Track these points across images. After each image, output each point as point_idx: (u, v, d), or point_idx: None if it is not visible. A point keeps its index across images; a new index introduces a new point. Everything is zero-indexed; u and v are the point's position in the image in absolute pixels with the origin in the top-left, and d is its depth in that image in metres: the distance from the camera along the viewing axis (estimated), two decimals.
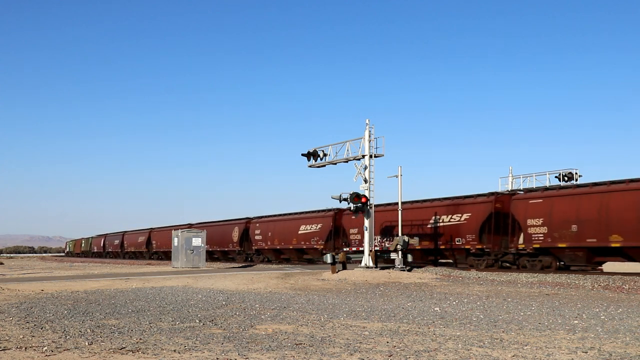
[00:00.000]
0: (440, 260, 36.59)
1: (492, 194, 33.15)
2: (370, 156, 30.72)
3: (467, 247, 32.76)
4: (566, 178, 38.15)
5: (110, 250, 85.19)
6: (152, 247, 68.52)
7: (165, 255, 62.23)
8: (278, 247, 47.95)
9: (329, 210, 43.88)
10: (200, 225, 59.42)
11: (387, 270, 29.28)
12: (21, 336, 10.09)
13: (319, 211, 45.43)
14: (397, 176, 32.30)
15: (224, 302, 16.16)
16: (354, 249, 34.17)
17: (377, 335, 10.12)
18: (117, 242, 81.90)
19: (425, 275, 28.37)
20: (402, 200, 35.25)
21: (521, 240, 30.54)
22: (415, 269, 31.55)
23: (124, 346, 9.12)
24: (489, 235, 31.79)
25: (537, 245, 29.39)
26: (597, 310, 14.51)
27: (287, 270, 33.69)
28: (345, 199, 30.41)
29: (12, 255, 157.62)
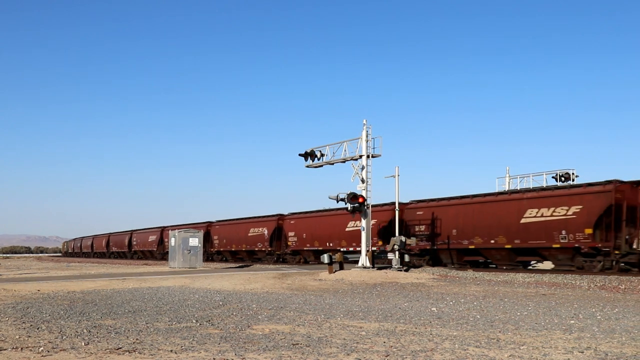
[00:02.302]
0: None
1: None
2: (368, 156, 30.75)
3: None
4: (563, 178, 38.26)
5: (76, 251, 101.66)
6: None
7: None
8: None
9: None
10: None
11: (384, 270, 29.30)
12: (17, 336, 10.07)
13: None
14: (394, 176, 32.35)
15: (220, 302, 16.15)
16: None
17: (374, 336, 10.12)
18: (79, 244, 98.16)
19: (422, 275, 28.38)
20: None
21: None
22: (412, 269, 31.58)
23: (120, 346, 9.11)
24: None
25: None
26: (594, 310, 14.53)
27: (284, 270, 33.67)
28: (342, 199, 30.42)
29: (8, 255, 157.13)
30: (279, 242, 47.79)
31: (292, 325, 11.47)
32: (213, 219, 60.21)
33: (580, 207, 27.63)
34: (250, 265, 44.92)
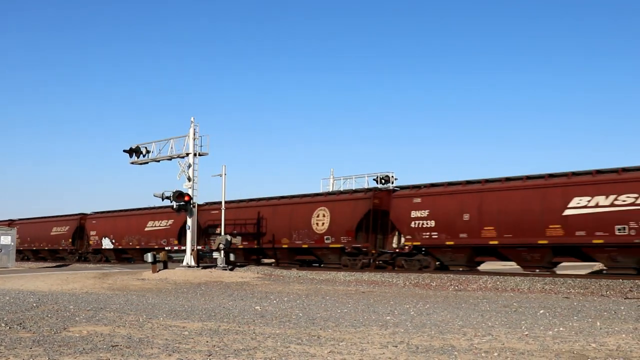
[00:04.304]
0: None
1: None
2: (195, 154, 30.51)
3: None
4: (383, 181, 39.96)
5: None
6: None
7: None
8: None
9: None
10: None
11: (209, 269, 29.17)
12: None
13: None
14: (221, 175, 32.31)
15: (34, 304, 15.30)
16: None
17: (196, 335, 10.05)
18: None
19: (247, 274, 28.57)
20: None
21: None
22: (237, 268, 31.67)
23: None
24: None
25: None
26: (408, 306, 15.37)
27: (106, 270, 32.52)
28: (167, 197, 29.96)
29: None
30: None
31: (112, 326, 11.11)
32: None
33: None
34: (69, 264, 42.87)
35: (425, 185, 29.01)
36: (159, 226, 42.03)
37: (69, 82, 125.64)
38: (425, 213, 27.83)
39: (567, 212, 23.96)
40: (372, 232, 29.83)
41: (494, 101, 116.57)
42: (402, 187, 30.43)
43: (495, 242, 25.67)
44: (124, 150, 32.50)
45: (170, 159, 31.72)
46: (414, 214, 28.16)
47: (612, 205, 23.01)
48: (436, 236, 27.36)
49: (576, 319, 12.59)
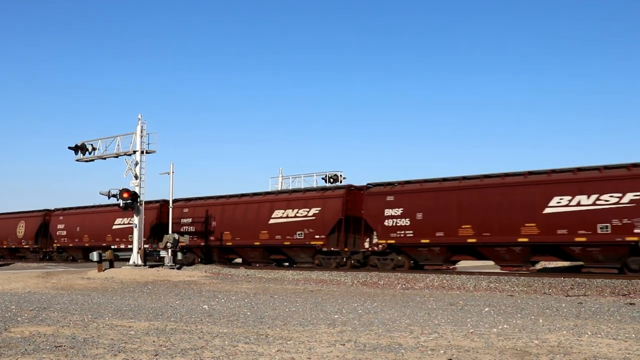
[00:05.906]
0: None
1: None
2: (142, 152, 30.14)
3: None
4: (332, 180, 40.11)
5: None
6: None
7: None
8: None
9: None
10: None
11: (157, 268, 28.87)
12: None
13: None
14: (169, 173, 32.00)
15: None
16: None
17: (143, 335, 9.94)
18: None
19: (195, 273, 28.35)
20: None
21: None
22: (185, 266, 31.40)
23: None
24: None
25: None
26: (356, 305, 15.46)
27: (50, 269, 31.85)
28: (114, 195, 29.52)
29: None
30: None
31: (56, 326, 10.90)
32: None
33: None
34: (11, 263, 41.85)
35: None
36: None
37: (12, 77, 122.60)
38: None
39: None
40: None
41: (451, 101, 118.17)
42: None
43: None
44: (69, 147, 31.92)
45: (117, 157, 31.28)
46: None
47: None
48: None
49: (520, 316, 12.87)
